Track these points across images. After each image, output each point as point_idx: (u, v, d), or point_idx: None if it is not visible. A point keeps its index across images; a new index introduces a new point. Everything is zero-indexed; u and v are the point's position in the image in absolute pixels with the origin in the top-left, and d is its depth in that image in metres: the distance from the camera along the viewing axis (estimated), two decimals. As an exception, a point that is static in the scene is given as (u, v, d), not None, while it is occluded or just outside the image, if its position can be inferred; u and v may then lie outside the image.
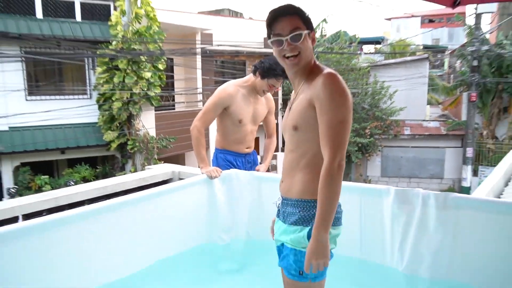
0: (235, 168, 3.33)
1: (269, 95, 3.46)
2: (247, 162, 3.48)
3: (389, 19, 43.18)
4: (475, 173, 16.94)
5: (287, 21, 1.74)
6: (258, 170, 3.39)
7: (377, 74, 18.38)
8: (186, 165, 14.36)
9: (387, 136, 17.79)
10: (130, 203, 2.70)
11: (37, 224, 2.26)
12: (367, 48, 23.72)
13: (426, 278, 2.49)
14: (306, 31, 1.75)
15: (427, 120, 19.06)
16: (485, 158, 17.31)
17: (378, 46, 25.59)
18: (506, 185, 5.57)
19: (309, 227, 1.78)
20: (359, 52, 21.04)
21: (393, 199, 2.56)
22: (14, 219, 3.14)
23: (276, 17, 1.76)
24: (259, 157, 3.79)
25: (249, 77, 3.32)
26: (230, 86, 3.24)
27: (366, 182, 18.15)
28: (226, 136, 3.38)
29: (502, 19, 21.06)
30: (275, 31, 1.76)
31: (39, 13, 11.57)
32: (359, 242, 2.78)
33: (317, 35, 19.96)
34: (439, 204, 2.43)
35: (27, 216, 3.19)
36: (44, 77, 12.14)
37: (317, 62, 1.85)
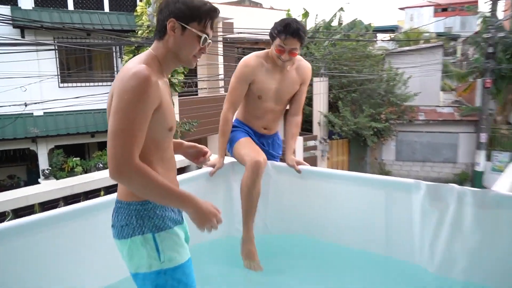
0: (253, 138, 2.77)
1: (305, 63, 2.72)
2: (265, 143, 2.85)
3: (403, 9, 41.91)
4: (488, 158, 16.34)
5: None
6: (288, 163, 2.74)
7: (392, 61, 17.82)
8: (209, 148, 14.13)
9: (402, 121, 17.29)
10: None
11: (53, 216, 1.96)
12: (382, 36, 23.00)
13: (460, 281, 2.12)
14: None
15: (441, 106, 18.39)
16: (498, 144, 16.66)
17: (392, 34, 24.82)
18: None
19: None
20: (375, 39, 20.42)
21: (423, 194, 2.19)
22: (29, 208, 2.88)
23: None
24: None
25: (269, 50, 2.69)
26: (252, 59, 2.63)
27: (380, 166, 17.90)
28: (246, 107, 2.79)
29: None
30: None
31: (70, 6, 11.44)
32: (384, 238, 2.43)
33: (335, 23, 19.49)
34: (477, 201, 2.05)
35: (42, 205, 2.93)
36: (75, 65, 11.99)
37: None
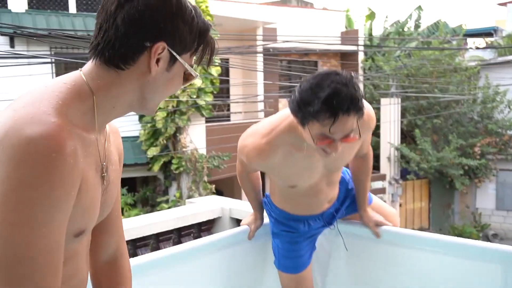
0: (303, 233, 2.49)
1: (366, 110, 1.86)
2: (327, 216, 2.51)
3: (504, 4, 41.35)
4: None
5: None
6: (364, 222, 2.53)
7: (490, 75, 17.65)
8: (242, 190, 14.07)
9: (505, 156, 17.11)
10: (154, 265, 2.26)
11: None
12: (474, 42, 22.80)
13: None
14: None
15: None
16: None
17: (490, 39, 24.58)
18: None
19: None
20: (466, 47, 20.24)
21: None
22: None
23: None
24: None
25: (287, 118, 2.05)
26: (263, 149, 2.07)
27: (474, 216, 17.57)
28: (280, 192, 2.45)
29: None
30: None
31: (72, 8, 11.99)
32: None
33: (410, 25, 19.66)
34: None
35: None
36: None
37: None
